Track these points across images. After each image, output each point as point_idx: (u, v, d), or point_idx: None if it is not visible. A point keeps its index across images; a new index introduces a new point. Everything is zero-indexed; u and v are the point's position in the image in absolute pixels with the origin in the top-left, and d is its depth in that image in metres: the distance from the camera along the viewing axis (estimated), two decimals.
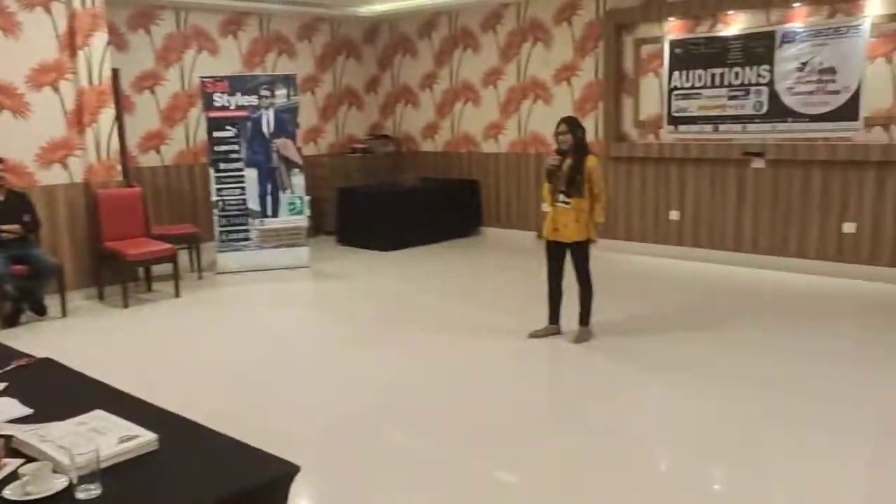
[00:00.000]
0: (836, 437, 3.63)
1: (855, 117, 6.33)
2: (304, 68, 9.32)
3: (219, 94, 7.43)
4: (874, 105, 6.27)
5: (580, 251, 4.96)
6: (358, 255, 8.32)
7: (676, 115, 7.42)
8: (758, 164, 6.95)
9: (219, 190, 7.50)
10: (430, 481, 3.28)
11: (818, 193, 6.64)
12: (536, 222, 8.68)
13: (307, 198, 7.72)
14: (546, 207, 5.05)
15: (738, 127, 7.02)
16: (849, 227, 6.49)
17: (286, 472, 1.79)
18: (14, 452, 1.84)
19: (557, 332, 5.16)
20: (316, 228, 8.91)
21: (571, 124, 4.90)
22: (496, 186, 9.17)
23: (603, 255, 5.03)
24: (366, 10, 9.36)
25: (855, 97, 6.31)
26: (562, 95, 8.36)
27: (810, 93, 6.57)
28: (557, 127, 4.92)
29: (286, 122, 7.59)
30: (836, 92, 6.41)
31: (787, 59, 6.67)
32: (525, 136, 8.78)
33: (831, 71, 6.43)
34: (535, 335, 5.16)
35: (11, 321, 5.82)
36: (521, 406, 4.12)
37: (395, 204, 8.66)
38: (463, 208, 9.21)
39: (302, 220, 7.69)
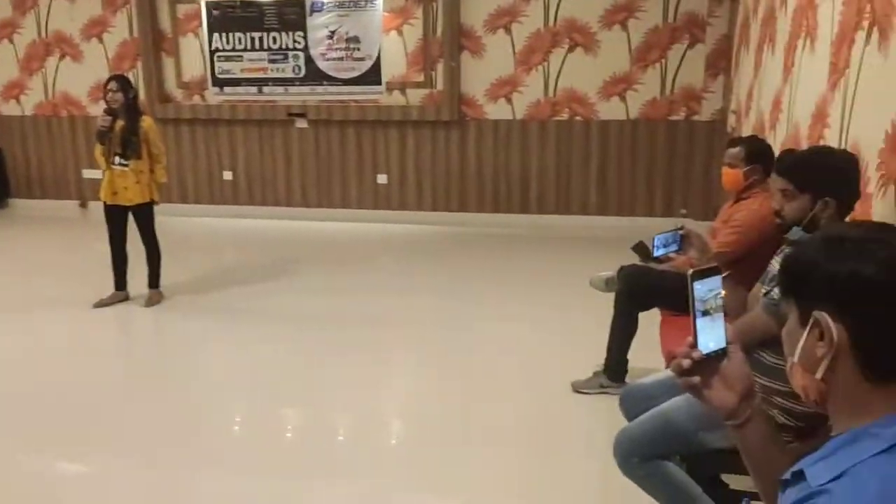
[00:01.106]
0: (381, 356, 4.32)
1: (378, 82, 7.25)
2: None
3: None
4: (392, 72, 7.26)
5: (143, 213, 4.85)
6: None
7: (221, 76, 7.55)
8: (301, 124, 7.51)
9: None
10: None
11: (354, 149, 7.48)
12: (79, 190, 8.06)
13: None
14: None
15: (281, 89, 7.46)
16: (382, 179, 7.47)
17: None
18: None
19: (126, 298, 4.99)
20: None
21: (122, 83, 4.71)
22: (24, 153, 8.18)
23: (159, 219, 4.98)
24: None
25: (377, 64, 7.22)
26: (94, 53, 7.79)
27: (340, 59, 7.30)
28: (107, 85, 4.70)
29: None
30: (362, 59, 7.25)
31: (318, 26, 7.29)
32: (55, 97, 7.98)
33: (356, 40, 7.24)
34: (101, 304, 4.91)
35: None
36: (94, 380, 3.93)
37: None
38: None
39: None
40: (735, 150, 3.21)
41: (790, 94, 3.57)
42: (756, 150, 3.18)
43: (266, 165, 7.69)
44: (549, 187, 7.18)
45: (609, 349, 3.52)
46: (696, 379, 1.21)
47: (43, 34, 7.86)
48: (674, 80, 6.76)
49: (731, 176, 3.21)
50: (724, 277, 2.40)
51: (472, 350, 4.32)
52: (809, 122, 3.15)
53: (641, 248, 3.50)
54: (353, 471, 3.03)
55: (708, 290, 1.22)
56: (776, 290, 2.06)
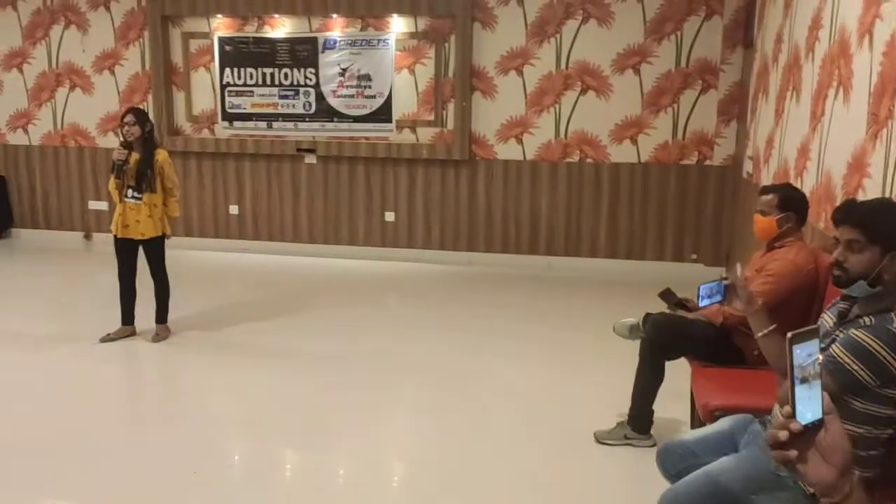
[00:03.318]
0: (387, 401, 4.21)
1: (389, 120, 7.24)
2: None
3: None
4: (403, 110, 7.25)
5: (154, 247, 4.77)
6: None
7: (231, 111, 7.54)
8: (310, 159, 7.48)
9: None
10: None
11: (363, 186, 7.44)
12: (84, 221, 7.99)
13: None
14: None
15: (291, 125, 7.45)
16: (389, 216, 7.41)
17: None
18: None
19: (133, 334, 4.89)
20: None
21: (139, 116, 4.66)
22: (30, 183, 8.12)
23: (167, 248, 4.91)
24: None
25: (388, 102, 7.22)
26: (105, 85, 7.78)
27: (351, 96, 7.30)
28: (123, 118, 4.64)
29: None
30: (373, 97, 7.25)
31: (330, 63, 7.29)
32: (62, 127, 7.95)
33: (367, 77, 7.25)
34: (107, 339, 4.80)
35: None
36: (98, 420, 3.81)
37: None
38: None
39: None
40: (768, 198, 3.16)
41: (820, 142, 3.54)
42: (790, 198, 3.13)
43: (273, 200, 7.64)
44: (558, 229, 7.13)
45: (634, 399, 3.42)
46: (794, 453, 1.13)
47: (53, 65, 7.85)
48: (686, 124, 6.76)
49: (763, 224, 3.15)
50: (772, 330, 2.30)
51: (486, 397, 4.17)
52: (845, 171, 3.11)
53: (669, 295, 3.43)
54: None
55: (807, 354, 1.14)
56: (834, 347, 1.99)
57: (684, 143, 6.80)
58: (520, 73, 7.01)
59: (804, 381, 1.14)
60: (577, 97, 6.93)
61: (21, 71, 7.93)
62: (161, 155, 4.69)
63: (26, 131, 8.03)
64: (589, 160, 6.99)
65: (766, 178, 4.81)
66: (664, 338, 3.27)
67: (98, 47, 7.73)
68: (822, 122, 3.52)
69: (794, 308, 3.01)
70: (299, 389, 4.19)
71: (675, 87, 6.74)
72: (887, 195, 2.58)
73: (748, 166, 5.62)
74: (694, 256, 6.87)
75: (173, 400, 4.16)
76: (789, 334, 1.14)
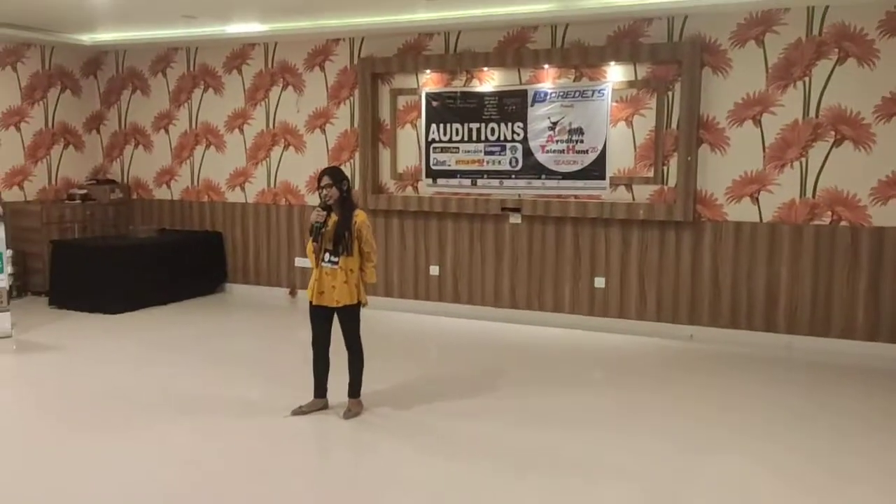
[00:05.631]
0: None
1: (602, 176, 6.60)
2: (6, 100, 7.88)
3: None
4: (617, 165, 6.59)
5: (350, 315, 4.45)
6: (78, 319, 7.03)
7: (435, 168, 7.28)
8: (515, 219, 7.00)
9: None
10: None
11: (571, 249, 6.82)
12: (289, 278, 8.07)
13: (8, 252, 6.37)
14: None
15: (496, 182, 7.04)
16: (599, 282, 6.71)
17: None
18: None
19: (325, 407, 4.58)
20: (22, 288, 7.48)
21: (336, 177, 4.40)
22: (243, 239, 8.37)
23: (362, 313, 4.55)
24: (87, 38, 8.22)
25: (601, 157, 6.60)
26: (315, 143, 7.88)
27: (561, 151, 6.76)
28: (320, 180, 4.40)
29: None
30: (585, 151, 6.66)
31: (539, 117, 6.82)
32: (275, 185, 8.13)
33: (579, 131, 6.68)
34: (298, 412, 4.51)
35: None
36: (284, 501, 3.46)
37: (126, 259, 7.48)
38: (206, 263, 8.26)
39: (1, 280, 6.29)
40: None
41: None
42: None
43: (475, 262, 7.23)
44: (803, 303, 6.04)
45: None
46: None
47: (270, 125, 8.09)
48: None
49: None
50: None
51: None
52: None
53: None
54: None
55: None
56: None
57: None
58: (757, 122, 6.10)
59: None
60: (830, 149, 5.89)
61: (242, 132, 8.25)
62: (360, 216, 4.39)
63: (243, 189, 8.31)
64: (843, 223, 5.88)
65: None
66: None
67: (311, 106, 7.85)
68: None
69: None
70: (485, 490, 3.59)
71: None
72: None
73: None
74: None
75: (361, 495, 3.70)
76: None
